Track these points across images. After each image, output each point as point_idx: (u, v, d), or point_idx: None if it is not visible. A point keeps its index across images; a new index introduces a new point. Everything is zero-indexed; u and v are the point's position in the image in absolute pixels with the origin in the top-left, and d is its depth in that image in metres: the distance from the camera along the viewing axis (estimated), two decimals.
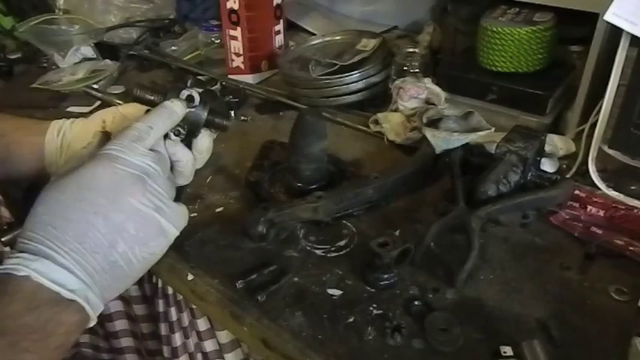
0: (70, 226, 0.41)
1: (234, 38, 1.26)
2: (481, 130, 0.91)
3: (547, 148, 0.89)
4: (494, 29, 1.02)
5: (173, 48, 1.44)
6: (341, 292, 0.72)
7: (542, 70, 1.04)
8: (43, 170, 0.69)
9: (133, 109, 0.68)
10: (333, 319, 0.67)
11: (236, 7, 1.21)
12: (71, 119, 0.70)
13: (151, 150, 0.51)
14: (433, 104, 1.01)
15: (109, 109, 0.72)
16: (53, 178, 0.46)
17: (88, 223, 0.42)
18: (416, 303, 0.69)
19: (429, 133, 0.91)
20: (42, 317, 0.39)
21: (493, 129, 0.93)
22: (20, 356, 0.37)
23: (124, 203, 0.45)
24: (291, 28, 1.48)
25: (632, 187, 0.84)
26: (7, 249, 0.57)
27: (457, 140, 0.90)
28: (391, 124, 1.04)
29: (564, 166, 0.92)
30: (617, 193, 0.84)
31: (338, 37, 1.29)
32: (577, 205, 0.84)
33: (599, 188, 0.85)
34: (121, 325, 1.13)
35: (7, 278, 0.39)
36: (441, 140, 0.90)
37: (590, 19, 0.87)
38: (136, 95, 0.63)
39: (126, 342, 1.16)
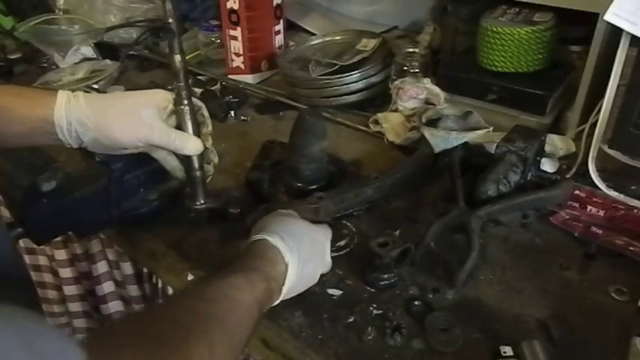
0: (301, 249, 0.63)
1: (234, 38, 1.26)
2: (480, 129, 0.91)
3: (547, 148, 0.89)
4: (494, 29, 1.02)
5: None
6: (341, 292, 0.72)
7: (542, 70, 1.04)
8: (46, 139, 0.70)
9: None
10: (333, 319, 0.67)
11: (236, 7, 1.21)
12: (77, 92, 0.71)
13: None
14: (432, 104, 1.01)
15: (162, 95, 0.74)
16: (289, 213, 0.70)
17: (313, 259, 0.66)
18: (416, 303, 0.69)
19: (427, 133, 0.91)
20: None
21: (491, 128, 0.93)
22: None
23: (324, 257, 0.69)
24: (291, 28, 1.48)
25: (632, 187, 0.84)
26: None
27: (455, 139, 0.90)
28: (391, 124, 1.04)
29: (564, 166, 0.92)
30: (617, 193, 0.84)
31: (338, 37, 1.29)
32: (577, 205, 0.84)
33: (599, 188, 0.85)
34: None
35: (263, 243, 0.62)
36: (440, 139, 0.90)
37: (590, 19, 0.87)
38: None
39: None
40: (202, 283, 0.56)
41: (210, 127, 0.77)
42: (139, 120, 0.69)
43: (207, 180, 0.79)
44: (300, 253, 0.62)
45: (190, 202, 0.77)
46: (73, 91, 0.70)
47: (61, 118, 0.67)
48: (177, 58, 0.70)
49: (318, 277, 0.67)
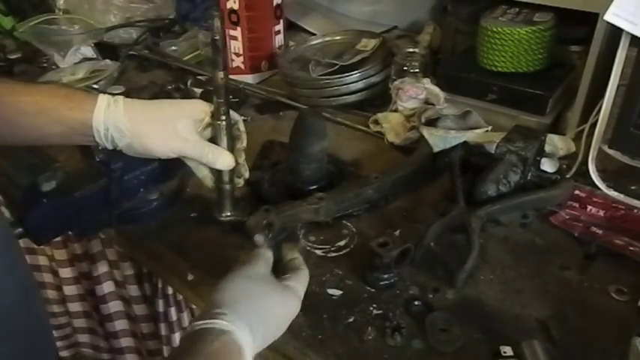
0: (266, 324, 0.56)
1: (234, 38, 1.26)
2: (479, 129, 0.91)
3: (547, 148, 0.89)
4: (494, 29, 1.02)
5: (173, 48, 1.44)
6: (341, 292, 0.72)
7: (542, 70, 1.04)
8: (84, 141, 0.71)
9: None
10: (333, 319, 0.67)
11: (236, 7, 1.21)
12: (116, 97, 0.71)
13: None
14: (432, 104, 1.01)
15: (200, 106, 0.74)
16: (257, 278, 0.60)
17: (276, 326, 0.58)
18: (416, 303, 0.69)
19: (426, 132, 0.91)
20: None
21: (490, 127, 0.93)
22: None
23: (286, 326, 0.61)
24: (291, 28, 1.48)
25: (632, 187, 0.84)
26: None
27: (454, 139, 0.90)
28: (391, 124, 1.04)
29: (564, 166, 0.92)
30: (617, 193, 0.84)
31: (338, 37, 1.29)
32: (577, 205, 0.84)
33: (599, 188, 0.85)
34: (121, 325, 1.13)
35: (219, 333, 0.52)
36: (439, 139, 0.90)
37: (590, 19, 0.88)
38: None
39: (126, 342, 1.16)
40: None
41: (244, 143, 0.76)
42: (174, 131, 0.70)
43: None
44: (266, 337, 0.57)
45: (217, 213, 0.77)
46: None
47: (99, 123, 0.68)
48: (220, 75, 0.70)
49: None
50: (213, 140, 0.73)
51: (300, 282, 0.63)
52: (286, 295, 0.60)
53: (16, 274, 0.63)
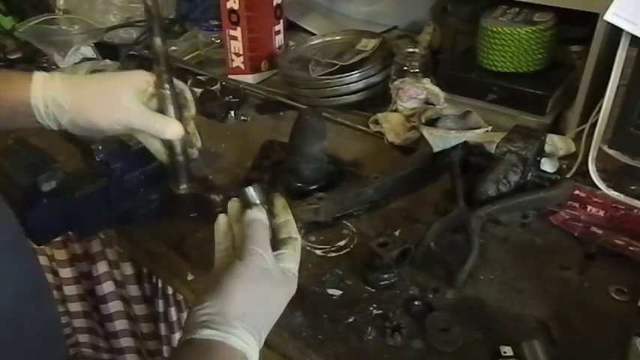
0: (270, 323, 0.55)
1: (234, 38, 1.26)
2: (479, 129, 0.91)
3: (547, 148, 0.89)
4: (494, 29, 1.02)
5: (173, 48, 1.44)
6: (341, 292, 0.72)
7: (542, 70, 1.04)
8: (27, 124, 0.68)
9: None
10: (333, 319, 0.67)
11: (236, 7, 1.21)
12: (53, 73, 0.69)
13: None
14: (432, 104, 1.01)
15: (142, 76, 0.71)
16: (236, 270, 0.55)
17: (269, 313, 0.55)
18: (416, 303, 0.69)
19: (426, 132, 0.91)
20: None
21: (490, 127, 0.93)
22: None
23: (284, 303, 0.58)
24: (291, 28, 1.48)
25: (632, 187, 0.84)
26: None
27: (454, 139, 0.90)
28: (391, 124, 1.04)
29: (564, 166, 0.92)
30: (617, 193, 0.84)
31: (338, 37, 1.29)
32: (577, 205, 0.83)
33: (599, 188, 0.85)
34: (121, 325, 1.13)
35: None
36: (439, 139, 0.90)
37: (590, 19, 0.88)
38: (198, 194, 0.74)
39: (126, 342, 1.16)
40: None
41: (192, 111, 0.74)
42: (117, 102, 0.67)
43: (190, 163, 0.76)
44: (264, 332, 0.54)
45: (174, 187, 0.75)
46: None
47: (37, 100, 0.65)
48: (157, 41, 0.68)
49: None
50: (160, 111, 0.71)
51: (295, 258, 0.59)
52: (286, 283, 0.57)
53: (20, 276, 0.63)
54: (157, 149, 0.73)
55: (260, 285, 0.54)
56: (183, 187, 0.75)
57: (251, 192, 0.61)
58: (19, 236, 0.65)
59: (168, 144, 0.73)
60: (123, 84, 0.69)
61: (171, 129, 0.70)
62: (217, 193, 0.79)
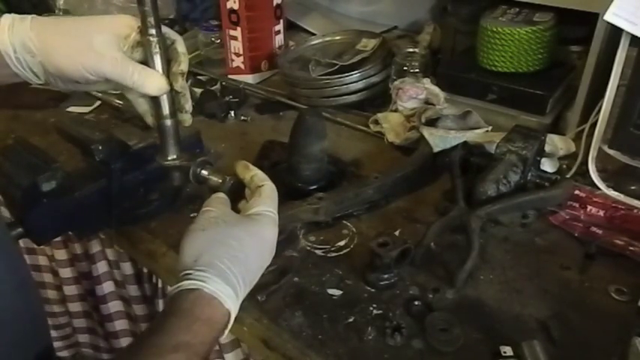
0: (245, 267, 0.56)
1: (234, 38, 1.26)
2: (479, 129, 0.91)
3: (547, 148, 0.89)
4: (494, 29, 1.02)
5: None
6: (341, 292, 0.72)
7: (542, 70, 1.04)
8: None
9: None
10: (333, 319, 0.67)
11: (236, 7, 1.21)
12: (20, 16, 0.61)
13: None
14: (432, 104, 1.01)
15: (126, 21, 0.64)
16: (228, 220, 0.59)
17: (229, 250, 0.56)
18: (416, 303, 0.69)
19: (426, 132, 0.91)
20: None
21: (490, 127, 0.93)
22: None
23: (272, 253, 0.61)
24: (291, 28, 1.48)
25: (632, 187, 0.84)
26: None
27: (454, 139, 0.90)
28: (391, 124, 1.04)
29: (564, 166, 0.92)
30: (617, 193, 0.84)
31: (338, 37, 1.29)
32: (577, 205, 0.83)
33: (599, 188, 0.85)
34: (120, 325, 1.13)
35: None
36: (439, 139, 0.90)
37: (590, 19, 0.88)
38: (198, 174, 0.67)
39: (126, 342, 1.16)
40: None
41: (182, 66, 0.64)
42: (89, 46, 0.59)
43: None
44: (247, 277, 0.55)
45: (161, 158, 0.67)
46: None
47: (5, 44, 0.58)
48: None
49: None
50: (145, 63, 0.62)
51: (267, 202, 0.60)
52: (258, 229, 0.58)
53: (13, 275, 0.63)
54: (145, 111, 0.67)
55: (206, 231, 0.57)
56: (171, 158, 0.68)
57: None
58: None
59: (154, 104, 0.65)
60: (100, 26, 0.61)
61: (153, 82, 0.62)
62: (211, 170, 0.68)
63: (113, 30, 0.61)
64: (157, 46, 0.62)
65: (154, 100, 0.65)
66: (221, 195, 0.63)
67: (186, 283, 0.52)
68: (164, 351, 0.47)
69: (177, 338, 0.48)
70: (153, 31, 0.61)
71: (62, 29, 0.60)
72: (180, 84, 0.65)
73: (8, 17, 0.60)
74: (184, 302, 0.51)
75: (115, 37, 0.61)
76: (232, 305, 0.53)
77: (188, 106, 0.67)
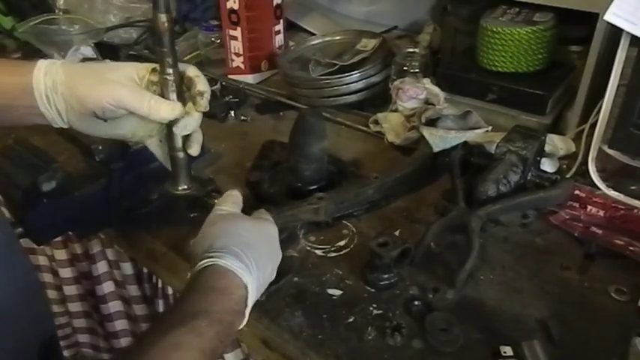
0: (257, 252, 0.60)
1: (234, 38, 1.26)
2: (479, 129, 0.91)
3: (547, 148, 0.89)
4: (494, 29, 1.02)
5: None
6: (341, 292, 0.72)
7: (542, 70, 1.04)
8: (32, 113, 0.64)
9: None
10: (333, 319, 0.67)
11: (236, 7, 1.21)
12: (58, 61, 0.65)
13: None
14: (432, 104, 1.01)
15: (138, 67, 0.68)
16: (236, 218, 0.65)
17: (240, 238, 0.61)
18: (416, 303, 0.69)
19: (426, 132, 0.91)
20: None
21: (490, 127, 0.93)
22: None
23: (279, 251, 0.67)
24: (291, 28, 1.48)
25: (632, 187, 0.84)
26: None
27: (454, 139, 0.90)
28: (391, 124, 1.04)
29: (564, 166, 0.92)
30: (617, 193, 0.84)
31: (338, 37, 1.29)
32: (577, 205, 0.83)
33: (599, 188, 0.85)
34: (121, 325, 1.13)
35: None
36: (439, 139, 0.90)
37: (590, 19, 0.88)
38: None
39: (126, 342, 1.16)
40: (142, 345, 0.49)
41: (202, 106, 0.66)
42: (108, 78, 0.63)
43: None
44: (259, 262, 0.59)
45: (172, 187, 0.69)
46: None
47: (39, 81, 0.62)
48: (162, 17, 0.59)
49: (275, 273, 0.65)
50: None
51: (262, 212, 0.69)
52: (263, 226, 0.65)
53: (15, 275, 0.63)
54: (164, 156, 0.70)
55: (218, 224, 0.63)
56: (182, 188, 0.70)
57: None
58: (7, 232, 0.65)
59: (168, 137, 0.67)
60: (118, 65, 0.65)
61: (168, 106, 0.63)
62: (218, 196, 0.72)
63: (132, 70, 0.65)
64: (174, 85, 0.64)
65: (168, 133, 0.67)
66: (235, 193, 0.69)
67: (201, 263, 0.57)
68: (185, 317, 0.51)
69: (197, 306, 0.52)
70: (170, 71, 0.63)
71: (85, 66, 0.69)
72: (201, 104, 0.67)
73: (44, 61, 0.64)
74: (201, 277, 0.55)
75: (132, 73, 0.65)
76: (248, 278, 0.56)
77: (200, 138, 0.71)
